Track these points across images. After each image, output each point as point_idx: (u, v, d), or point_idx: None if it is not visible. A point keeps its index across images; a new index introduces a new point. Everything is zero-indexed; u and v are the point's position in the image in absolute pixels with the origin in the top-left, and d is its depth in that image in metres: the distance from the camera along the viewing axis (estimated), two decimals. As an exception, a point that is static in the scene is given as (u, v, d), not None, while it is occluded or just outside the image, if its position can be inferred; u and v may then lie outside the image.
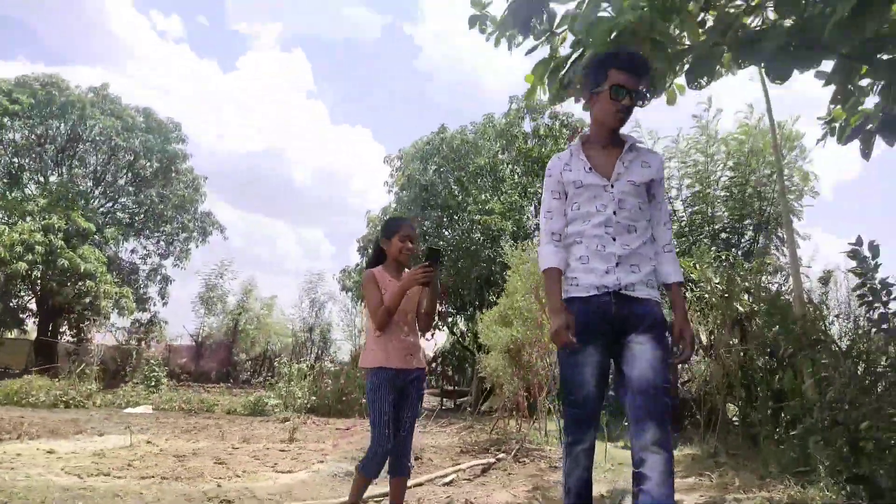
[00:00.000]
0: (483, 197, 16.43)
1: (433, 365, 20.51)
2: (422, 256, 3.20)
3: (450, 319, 19.28)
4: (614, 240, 2.51)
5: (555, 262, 2.59)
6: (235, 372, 23.86)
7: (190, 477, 5.11)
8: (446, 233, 17.24)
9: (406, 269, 3.42)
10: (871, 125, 3.74)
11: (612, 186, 2.54)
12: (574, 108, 19.14)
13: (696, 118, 11.22)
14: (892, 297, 3.04)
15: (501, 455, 6.79)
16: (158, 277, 24.35)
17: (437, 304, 3.31)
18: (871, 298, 3.09)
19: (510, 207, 16.29)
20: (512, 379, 8.27)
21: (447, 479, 5.45)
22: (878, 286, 3.07)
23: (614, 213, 2.52)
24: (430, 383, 20.80)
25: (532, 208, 17.84)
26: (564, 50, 3.40)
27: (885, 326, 3.04)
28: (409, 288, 3.18)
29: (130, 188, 23.68)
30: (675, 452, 7.72)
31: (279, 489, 4.84)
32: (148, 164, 22.93)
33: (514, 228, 15.84)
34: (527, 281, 7.85)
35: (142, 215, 23.78)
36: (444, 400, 18.41)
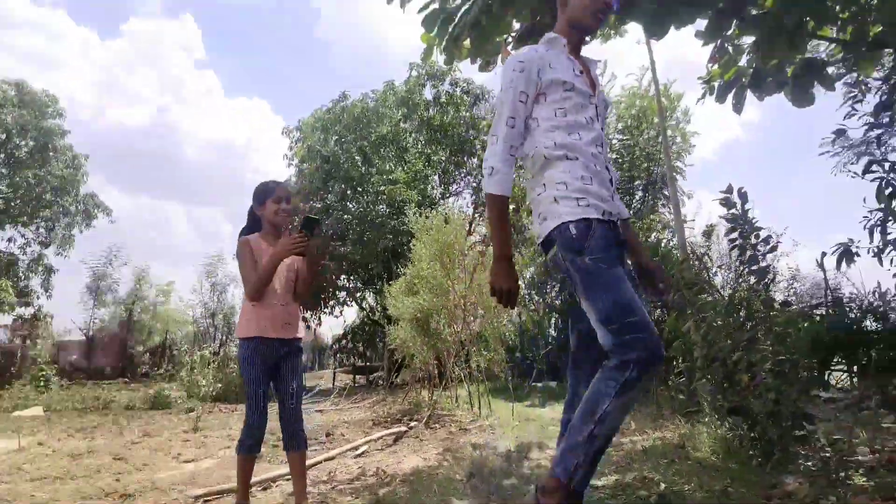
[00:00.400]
0: (387, 167, 16.27)
1: (343, 342, 20.34)
2: (297, 225, 3.15)
3: (358, 294, 19.13)
4: (606, 162, 2.19)
5: (509, 189, 2.18)
6: (133, 366, 22.69)
7: (86, 475, 4.82)
8: (350, 205, 16.96)
9: (280, 235, 3.38)
10: (744, 79, 3.97)
11: (595, 98, 2.21)
12: (474, 75, 19.22)
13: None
14: (761, 239, 3.28)
15: (413, 423, 6.86)
16: (40, 268, 22.66)
17: (315, 273, 3.25)
18: (741, 241, 3.32)
19: (415, 177, 16.24)
20: (421, 348, 8.32)
21: (359, 451, 5.46)
22: (748, 229, 3.30)
23: (602, 129, 2.20)
24: (341, 361, 20.63)
25: (436, 177, 17.86)
26: (455, 3, 3.37)
27: (754, 267, 3.28)
28: (282, 258, 3.10)
29: (3, 170, 21.72)
30: (579, 405, 8.10)
31: (183, 478, 4.66)
32: (23, 142, 21.10)
33: (420, 198, 15.82)
34: (430, 248, 7.87)
35: (17, 200, 21.89)
36: (357, 376, 18.34)
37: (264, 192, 3.31)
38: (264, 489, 4.17)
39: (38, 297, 22.55)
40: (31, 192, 21.57)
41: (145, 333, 24.20)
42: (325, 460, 5.04)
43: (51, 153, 21.81)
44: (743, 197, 3.31)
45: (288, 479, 4.42)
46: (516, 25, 3.74)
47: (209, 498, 3.93)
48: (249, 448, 3.20)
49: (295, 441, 3.27)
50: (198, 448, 6.16)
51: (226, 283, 23.72)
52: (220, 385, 12.22)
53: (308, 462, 4.87)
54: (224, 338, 23.04)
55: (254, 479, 4.25)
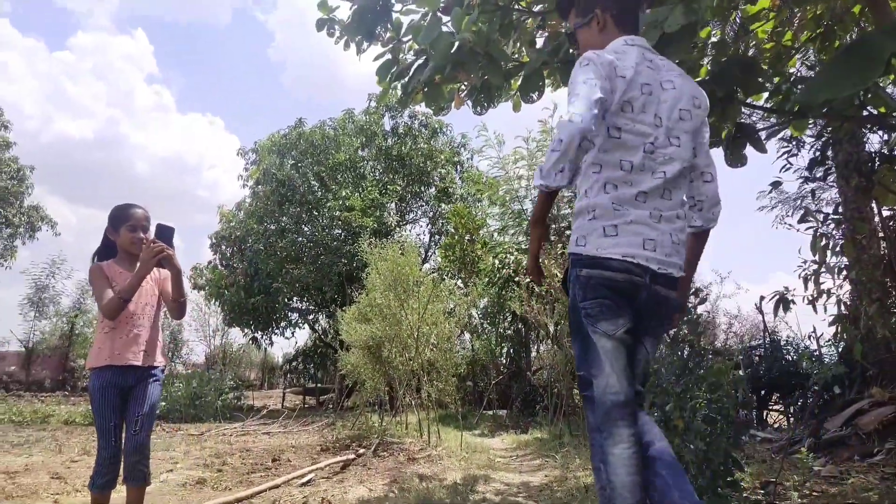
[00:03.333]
0: (344, 193, 16.31)
1: (294, 363, 20.12)
2: (152, 236, 3.07)
3: (311, 317, 19.00)
4: None
5: None
6: (73, 379, 21.96)
7: (23, 494, 4.69)
8: (305, 228, 16.94)
9: (135, 260, 3.19)
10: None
11: None
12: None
13: (541, 122, 11.91)
14: (693, 290, 3.50)
15: (362, 451, 6.84)
16: (-20, 278, 21.86)
17: (182, 286, 3.22)
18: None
19: (371, 204, 16.30)
20: (373, 375, 8.35)
21: (305, 480, 5.42)
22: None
23: None
24: (291, 381, 20.36)
25: (393, 205, 17.96)
26: (410, 56, 3.50)
27: (687, 318, 3.47)
28: (148, 271, 3.00)
29: (-56, 180, 21.03)
30: (527, 436, 8.22)
31: (122, 502, 4.57)
32: (-36, 154, 20.51)
33: (376, 225, 15.89)
34: (385, 278, 7.94)
35: (-41, 210, 21.19)
36: (307, 398, 18.14)
37: (118, 218, 3.15)
38: (207, 518, 4.13)
39: (-25, 307, 21.73)
40: (-28, 203, 20.91)
41: (88, 347, 23.45)
42: (270, 489, 5.00)
43: (-6, 164, 21.22)
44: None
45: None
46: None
47: (149, 526, 3.87)
48: (104, 486, 2.99)
49: (133, 476, 3.06)
50: (139, 472, 6.03)
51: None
52: (163, 403, 11.93)
53: (252, 490, 4.85)
54: (170, 354, 22.45)
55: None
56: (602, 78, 2.01)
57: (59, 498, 4.65)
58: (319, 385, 19.09)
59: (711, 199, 2.26)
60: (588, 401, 2.07)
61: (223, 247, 17.88)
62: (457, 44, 2.94)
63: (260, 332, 18.21)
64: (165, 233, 3.04)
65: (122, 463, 3.03)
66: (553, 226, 11.41)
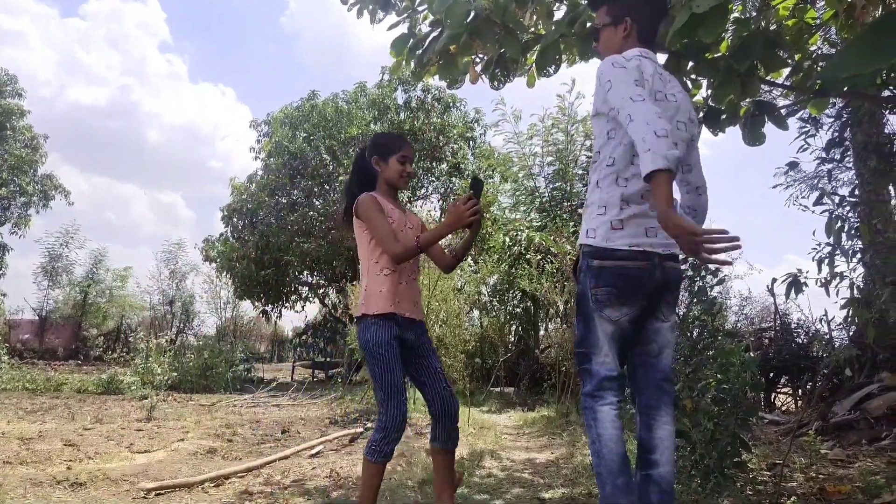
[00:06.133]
0: (355, 168, 16.21)
1: (303, 337, 20.24)
2: (467, 188, 2.71)
3: (321, 291, 19.07)
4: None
5: None
6: (86, 348, 22.23)
7: (37, 461, 4.78)
8: (317, 202, 16.94)
9: (397, 196, 2.93)
10: (700, 114, 4.14)
11: None
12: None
13: (559, 98, 11.76)
14: (709, 272, 3.48)
15: (370, 424, 6.91)
16: (-7, 246, 22.05)
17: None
18: (691, 273, 3.51)
19: (382, 180, 16.19)
20: (381, 349, 8.38)
21: (314, 451, 5.49)
22: (697, 262, 3.49)
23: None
24: (300, 355, 20.50)
25: (404, 181, 17.84)
26: (426, 28, 3.45)
27: (703, 298, 3.45)
28: (456, 228, 2.61)
29: (-41, 148, 21.12)
30: (534, 414, 8.25)
31: (134, 469, 4.64)
32: (-23, 121, 20.57)
33: (386, 201, 15.80)
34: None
35: (-28, 178, 21.31)
36: (316, 371, 18.27)
37: (388, 147, 2.80)
38: (217, 486, 4.18)
39: (-11, 275, 21.95)
40: (-15, 170, 21.00)
41: (100, 317, 23.73)
42: (280, 459, 5.07)
43: (8, 132, 21.23)
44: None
45: (241, 476, 4.44)
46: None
47: (161, 491, 3.93)
48: (389, 454, 2.60)
49: (450, 439, 2.71)
50: (150, 439, 6.12)
51: (185, 272, 23.20)
52: (175, 374, 12.04)
53: (262, 460, 4.91)
54: (182, 325, 22.64)
55: (207, 475, 4.27)
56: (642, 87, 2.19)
57: (72, 464, 4.72)
58: (328, 359, 19.20)
59: (703, 209, 2.53)
60: (585, 372, 2.34)
61: (235, 219, 17.91)
62: (473, 12, 2.89)
63: (270, 306, 18.33)
64: (478, 188, 2.64)
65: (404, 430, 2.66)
66: (565, 203, 11.38)
